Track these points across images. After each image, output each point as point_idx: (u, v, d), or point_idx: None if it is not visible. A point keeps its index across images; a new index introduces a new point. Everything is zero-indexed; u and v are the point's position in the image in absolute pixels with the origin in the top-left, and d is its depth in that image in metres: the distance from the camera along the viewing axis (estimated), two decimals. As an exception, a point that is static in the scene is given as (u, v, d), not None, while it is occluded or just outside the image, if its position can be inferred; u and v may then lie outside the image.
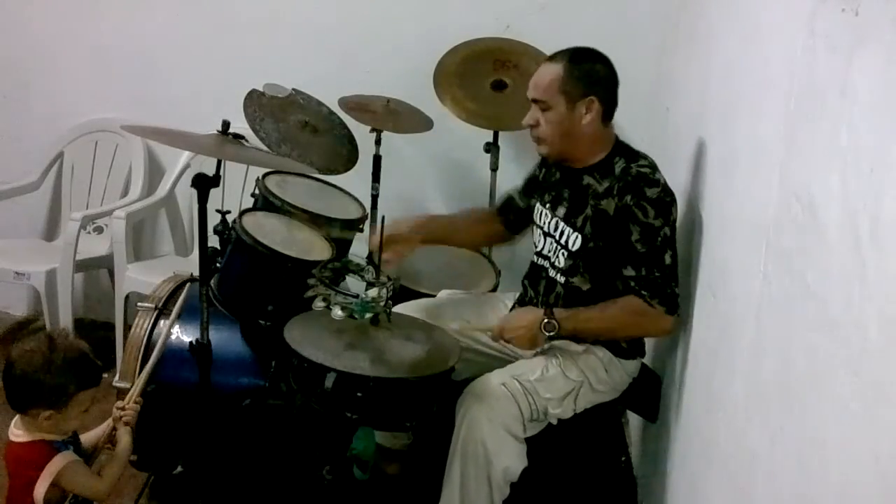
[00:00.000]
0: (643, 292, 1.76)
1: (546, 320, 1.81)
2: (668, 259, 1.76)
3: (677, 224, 1.85)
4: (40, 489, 1.56)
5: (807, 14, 1.16)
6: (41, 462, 1.58)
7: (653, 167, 1.82)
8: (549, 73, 1.84)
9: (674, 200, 1.79)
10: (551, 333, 1.81)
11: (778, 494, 1.07)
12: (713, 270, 1.68)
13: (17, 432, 1.62)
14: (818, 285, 1.01)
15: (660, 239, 1.76)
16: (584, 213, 1.87)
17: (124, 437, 1.73)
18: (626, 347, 1.91)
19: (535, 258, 2.03)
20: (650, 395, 2.03)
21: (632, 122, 1.99)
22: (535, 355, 1.96)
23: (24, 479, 1.59)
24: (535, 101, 1.87)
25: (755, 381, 1.24)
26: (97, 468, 1.71)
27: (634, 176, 1.79)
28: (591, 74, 1.83)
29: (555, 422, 1.85)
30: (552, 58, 1.87)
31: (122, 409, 1.78)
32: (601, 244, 1.84)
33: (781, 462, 1.07)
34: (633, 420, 2.54)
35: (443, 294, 2.21)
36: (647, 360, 2.04)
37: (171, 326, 2.09)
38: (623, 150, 1.89)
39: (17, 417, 1.64)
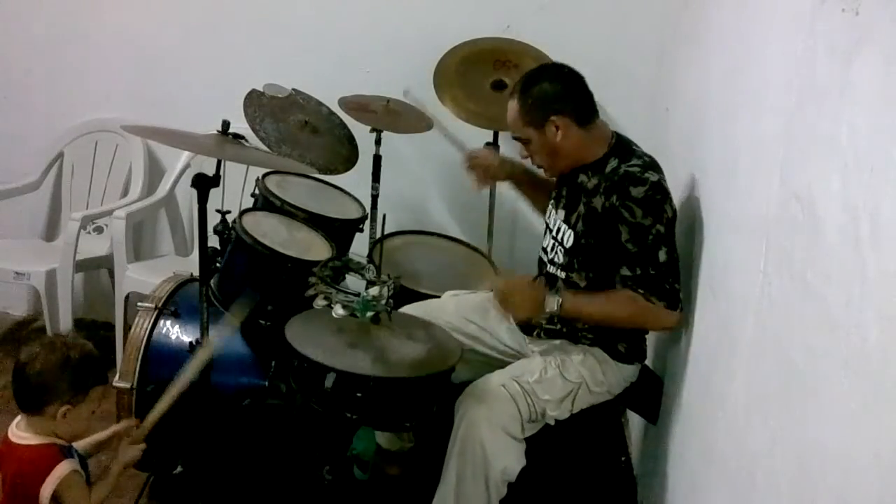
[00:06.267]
0: (640, 290, 1.75)
1: (551, 291, 1.80)
2: (662, 256, 1.75)
3: (679, 222, 1.84)
4: (46, 492, 1.55)
5: (807, 14, 1.16)
6: (49, 464, 1.57)
7: (645, 166, 1.80)
8: (512, 112, 1.89)
9: (665, 198, 1.77)
10: (553, 306, 1.78)
11: (778, 494, 1.07)
12: (713, 270, 1.68)
13: (23, 435, 1.60)
14: (818, 285, 1.01)
15: (651, 237, 1.74)
16: (577, 210, 1.88)
17: (116, 467, 1.72)
18: (623, 352, 1.90)
19: (541, 253, 2.04)
20: (652, 396, 2.03)
21: (632, 122, 1.99)
22: (534, 353, 1.96)
23: (25, 481, 1.57)
24: (515, 139, 1.93)
25: (755, 381, 1.24)
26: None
27: (621, 176, 1.78)
28: (541, 97, 1.84)
29: (552, 423, 1.85)
30: (511, 94, 1.91)
31: (132, 435, 1.77)
32: (592, 241, 1.85)
33: (781, 462, 1.07)
34: (633, 420, 2.55)
35: (447, 295, 2.21)
36: (647, 360, 2.04)
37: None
38: (620, 149, 1.87)
39: (20, 419, 1.63)
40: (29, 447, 1.59)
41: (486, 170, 2.17)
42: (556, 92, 1.85)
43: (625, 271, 1.77)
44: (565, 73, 1.88)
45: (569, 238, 1.90)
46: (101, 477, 1.71)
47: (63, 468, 1.58)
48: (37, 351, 1.59)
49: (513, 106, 1.88)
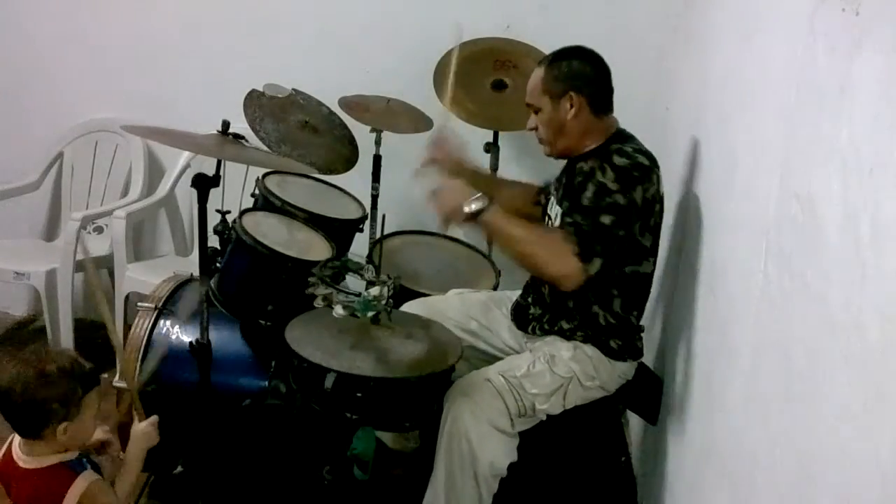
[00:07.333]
0: (569, 229, 1.72)
1: (478, 195, 1.80)
2: (606, 220, 1.71)
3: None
4: None
5: (807, 14, 1.16)
6: (62, 488, 1.49)
7: (640, 151, 1.80)
8: (535, 78, 1.91)
9: (644, 181, 1.75)
10: (472, 206, 1.78)
11: (778, 494, 1.07)
12: (713, 270, 1.68)
13: (27, 458, 1.52)
14: (818, 285, 1.01)
15: (607, 200, 1.72)
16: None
17: (134, 452, 1.64)
18: (616, 349, 1.89)
19: None
20: (651, 397, 2.03)
21: (632, 122, 1.99)
22: (524, 351, 1.97)
23: None
24: (528, 105, 1.94)
25: (755, 381, 1.24)
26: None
27: (613, 150, 1.80)
28: (568, 72, 1.87)
29: (544, 417, 1.84)
30: (540, 62, 1.93)
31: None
32: (567, 205, 1.85)
33: (781, 462, 1.07)
34: (633, 420, 2.55)
35: (451, 293, 2.22)
36: (647, 360, 2.04)
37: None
38: (621, 136, 1.88)
39: (19, 441, 1.54)
40: (37, 471, 1.51)
41: (444, 163, 2.16)
42: (583, 72, 1.87)
43: (567, 217, 1.76)
44: (597, 60, 1.90)
45: (557, 216, 1.91)
46: (118, 470, 1.63)
47: (80, 485, 1.50)
48: (13, 376, 1.47)
49: (537, 73, 1.91)
